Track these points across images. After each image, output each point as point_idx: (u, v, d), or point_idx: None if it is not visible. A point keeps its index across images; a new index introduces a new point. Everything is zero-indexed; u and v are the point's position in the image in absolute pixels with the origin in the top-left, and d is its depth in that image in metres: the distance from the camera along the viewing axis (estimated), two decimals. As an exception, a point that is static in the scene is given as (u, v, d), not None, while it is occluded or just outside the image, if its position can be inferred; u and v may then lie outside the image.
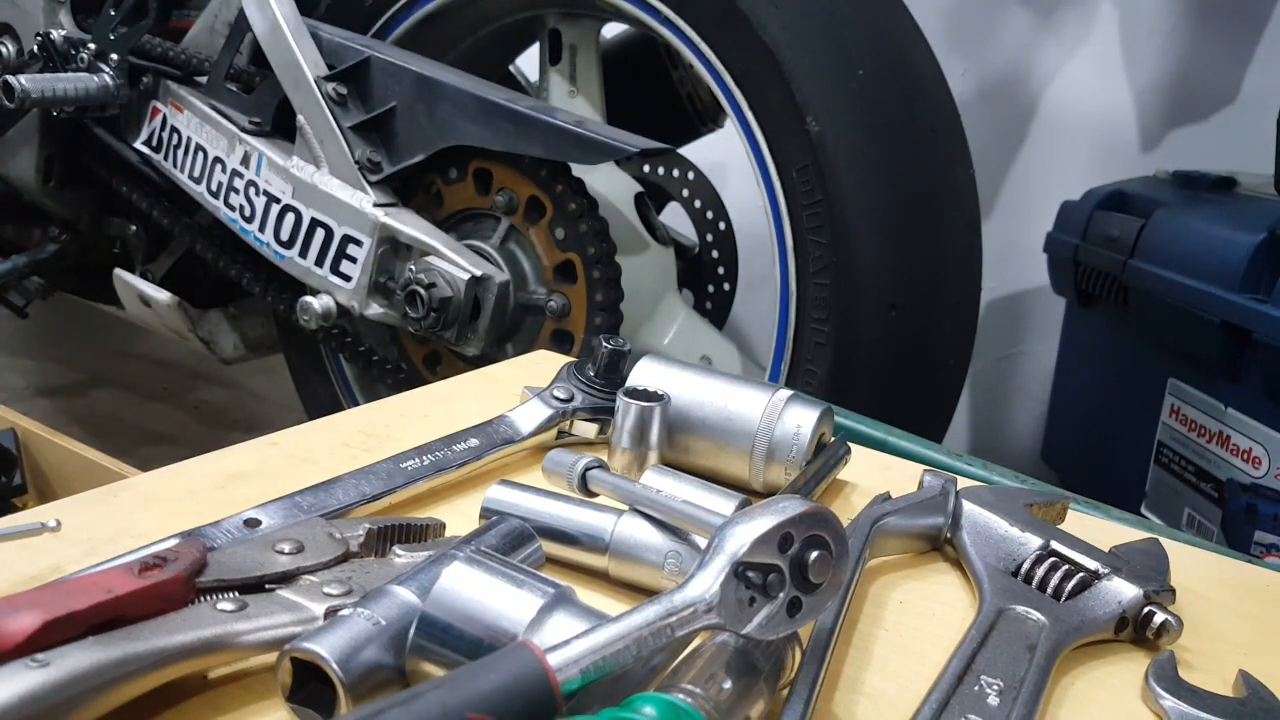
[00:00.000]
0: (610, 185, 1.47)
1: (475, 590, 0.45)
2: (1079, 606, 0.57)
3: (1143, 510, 1.63)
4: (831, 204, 1.21)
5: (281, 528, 0.57)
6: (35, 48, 1.53)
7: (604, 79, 1.61)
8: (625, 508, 0.58)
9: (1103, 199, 1.79)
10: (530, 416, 0.75)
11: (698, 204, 1.85)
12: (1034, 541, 0.61)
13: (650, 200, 1.60)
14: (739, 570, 0.43)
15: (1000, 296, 2.29)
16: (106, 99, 1.50)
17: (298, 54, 1.34)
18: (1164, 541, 0.66)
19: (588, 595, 0.55)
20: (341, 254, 1.33)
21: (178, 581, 0.45)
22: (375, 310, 1.34)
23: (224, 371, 2.43)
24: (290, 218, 1.37)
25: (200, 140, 1.46)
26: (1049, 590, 0.58)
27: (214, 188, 1.45)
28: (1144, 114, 2.18)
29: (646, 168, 1.87)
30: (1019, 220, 2.17)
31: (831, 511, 0.45)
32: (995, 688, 0.49)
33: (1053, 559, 0.60)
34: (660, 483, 0.60)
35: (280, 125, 1.41)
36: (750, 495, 0.64)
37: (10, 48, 1.63)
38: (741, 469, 0.71)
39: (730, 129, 1.38)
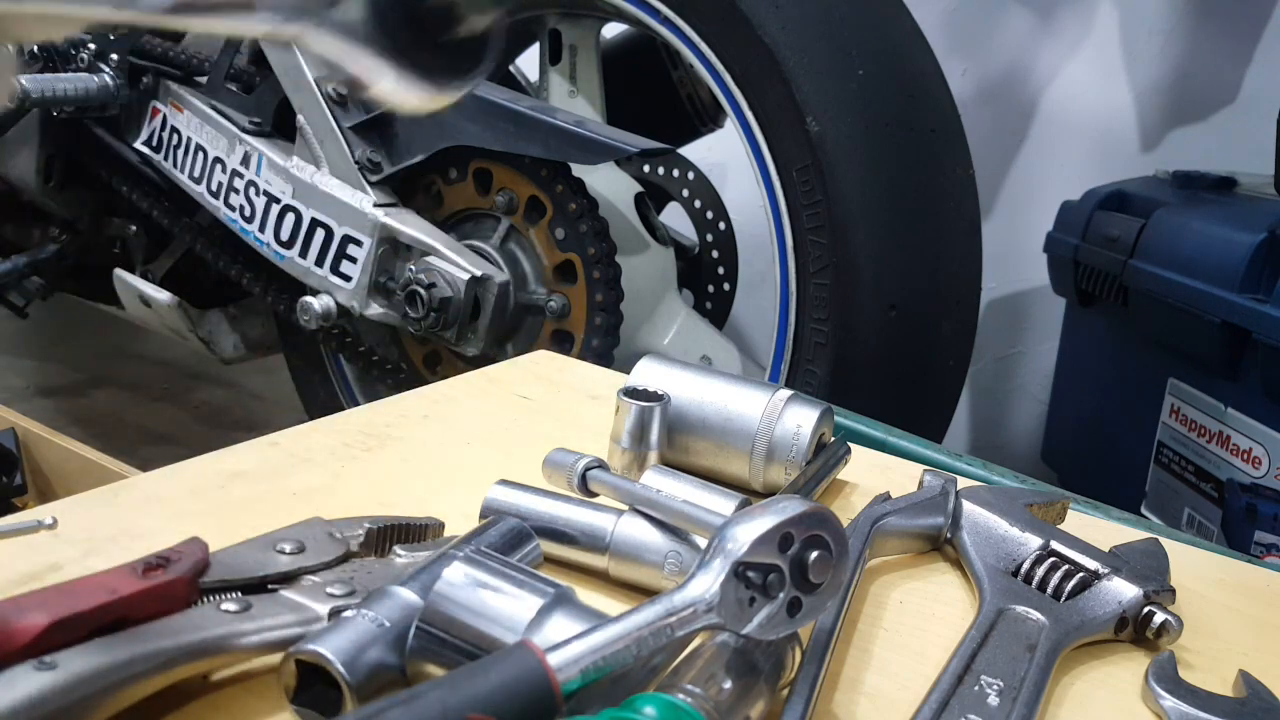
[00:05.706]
0: (610, 185, 1.47)
1: (475, 590, 0.45)
2: (1079, 606, 0.57)
3: (1143, 510, 1.63)
4: (831, 204, 1.21)
5: (281, 528, 0.57)
6: (35, 48, 1.53)
7: (604, 79, 1.61)
8: (625, 508, 0.58)
9: (1103, 199, 1.79)
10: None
11: (698, 204, 1.85)
12: (1034, 541, 0.61)
13: (650, 200, 1.60)
14: (739, 570, 0.43)
15: (1000, 296, 2.29)
16: (106, 99, 1.50)
17: (298, 54, 1.34)
18: (1164, 541, 0.66)
19: (588, 595, 0.55)
20: (341, 254, 1.33)
21: (181, 582, 0.45)
22: (375, 310, 1.34)
23: (224, 371, 2.43)
24: (290, 218, 1.37)
25: (200, 140, 1.46)
26: (1049, 590, 0.58)
27: (214, 188, 1.45)
28: (1144, 114, 2.18)
29: (646, 168, 1.87)
30: (1019, 220, 2.17)
31: (831, 511, 0.45)
32: (995, 688, 0.49)
33: (1053, 559, 0.60)
34: (660, 483, 0.60)
35: (280, 125, 1.41)
36: (750, 495, 0.64)
37: (10, 48, 1.62)
38: (741, 469, 0.71)
39: (730, 129, 1.38)
